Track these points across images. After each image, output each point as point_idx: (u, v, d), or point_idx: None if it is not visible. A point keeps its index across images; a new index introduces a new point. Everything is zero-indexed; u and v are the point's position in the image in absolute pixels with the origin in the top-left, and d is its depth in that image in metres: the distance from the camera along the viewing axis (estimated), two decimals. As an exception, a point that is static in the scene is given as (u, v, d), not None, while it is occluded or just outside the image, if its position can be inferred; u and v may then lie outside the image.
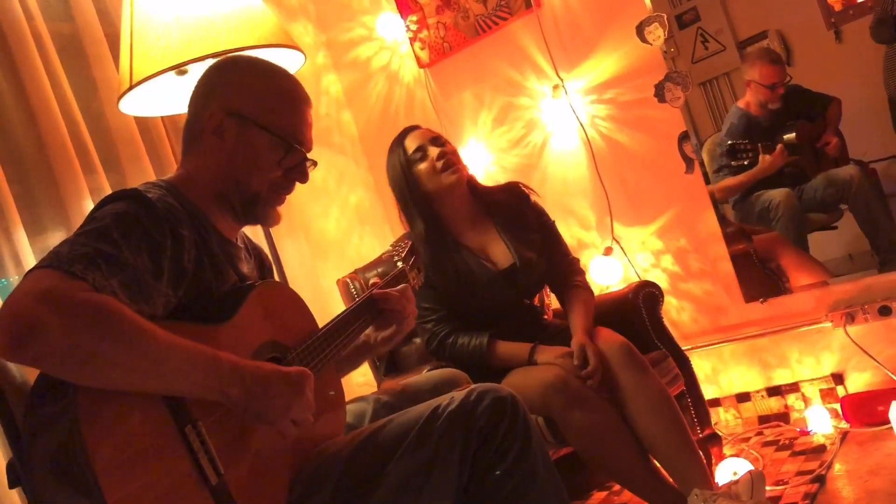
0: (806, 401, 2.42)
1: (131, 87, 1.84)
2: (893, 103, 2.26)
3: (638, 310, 2.11)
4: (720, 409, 2.59)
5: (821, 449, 2.13)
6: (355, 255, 2.96)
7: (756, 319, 2.50)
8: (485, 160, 2.88)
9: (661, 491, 1.72)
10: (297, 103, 1.34)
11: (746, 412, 2.55)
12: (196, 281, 1.18)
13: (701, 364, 2.56)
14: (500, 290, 2.01)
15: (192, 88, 1.36)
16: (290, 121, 1.31)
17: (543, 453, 1.25)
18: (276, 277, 2.25)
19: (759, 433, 2.40)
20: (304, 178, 1.35)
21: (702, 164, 2.53)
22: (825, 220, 2.47)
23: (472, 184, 2.11)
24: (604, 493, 2.23)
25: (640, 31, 2.43)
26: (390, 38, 3.01)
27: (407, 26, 2.93)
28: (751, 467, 1.78)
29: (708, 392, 2.48)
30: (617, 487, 2.22)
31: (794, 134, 2.45)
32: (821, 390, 2.39)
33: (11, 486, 1.07)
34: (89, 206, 2.05)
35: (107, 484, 0.91)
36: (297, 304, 1.38)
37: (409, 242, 1.83)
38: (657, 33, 2.41)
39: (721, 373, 2.59)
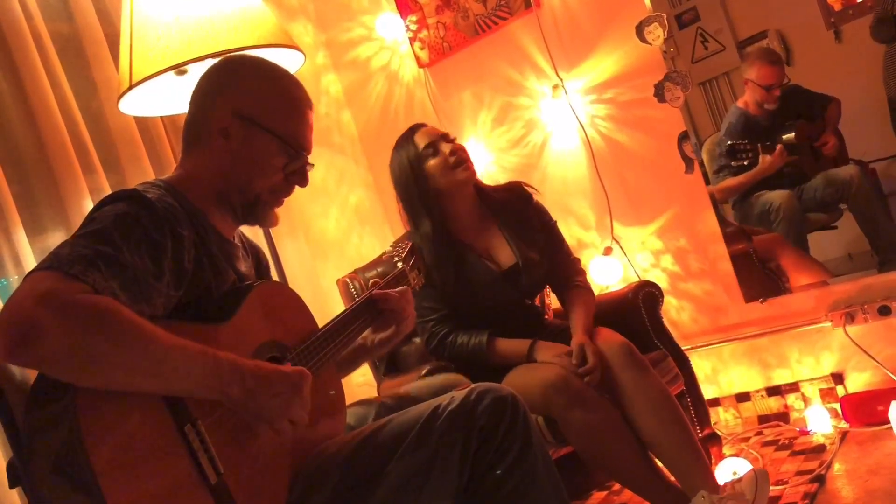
0: (805, 400, 2.42)
1: (131, 87, 1.84)
2: (893, 103, 2.26)
3: (637, 310, 2.11)
4: (720, 409, 2.59)
5: (820, 449, 2.13)
6: (355, 254, 2.96)
7: (756, 319, 2.51)
8: (484, 160, 2.88)
9: (662, 491, 1.72)
10: (302, 108, 1.34)
11: (746, 412, 2.55)
12: (196, 280, 1.18)
13: (701, 364, 2.57)
14: (503, 289, 2.01)
15: (195, 85, 1.35)
16: (295, 126, 1.32)
17: (543, 453, 1.25)
18: (276, 277, 2.26)
19: (759, 433, 2.40)
20: (304, 182, 1.35)
21: (701, 164, 2.53)
22: (825, 219, 2.47)
23: (476, 183, 2.11)
24: (604, 493, 2.23)
25: (639, 30, 2.43)
26: (390, 38, 3.01)
27: (407, 26, 2.93)
28: (750, 467, 1.78)
29: (707, 392, 2.48)
30: (617, 487, 2.22)
31: (793, 134, 2.45)
32: (820, 390, 2.39)
33: (11, 485, 1.07)
34: (89, 206, 2.05)
35: (106, 483, 0.92)
36: (296, 304, 1.38)
37: (410, 243, 1.83)
38: (657, 33, 2.41)
39: (721, 373, 2.59)
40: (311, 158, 1.36)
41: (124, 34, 1.89)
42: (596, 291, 2.16)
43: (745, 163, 2.45)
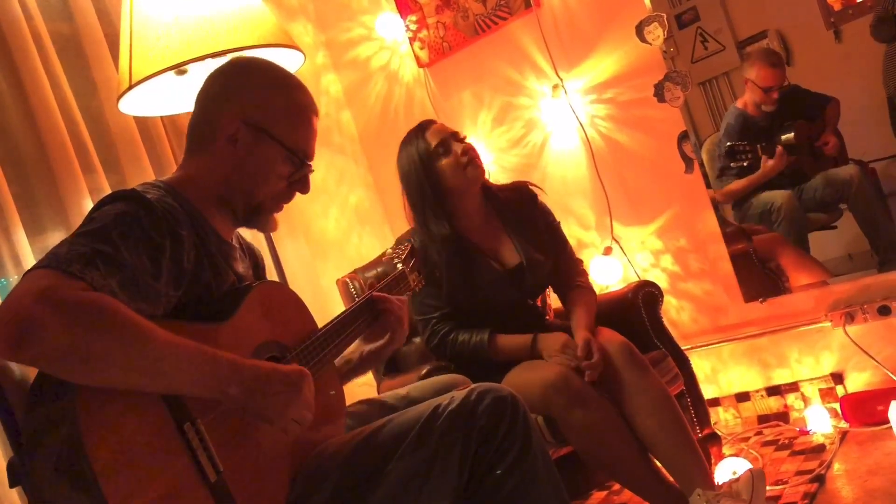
0: (805, 400, 2.42)
1: (131, 87, 1.84)
2: (892, 102, 2.26)
3: (637, 309, 2.11)
4: (720, 409, 2.59)
5: (820, 448, 2.14)
6: (355, 254, 2.96)
7: (755, 319, 2.51)
8: (484, 160, 2.86)
9: (661, 490, 1.72)
10: (309, 116, 1.34)
11: (746, 412, 2.55)
12: (195, 281, 1.18)
13: (700, 364, 2.57)
14: (506, 289, 2.00)
15: (202, 86, 1.34)
16: (302, 135, 1.32)
17: (543, 453, 1.25)
18: (276, 277, 2.26)
19: (759, 433, 2.40)
20: (305, 189, 1.36)
21: (701, 163, 2.53)
22: (825, 219, 2.47)
23: (483, 182, 2.11)
24: (604, 493, 2.24)
25: (639, 30, 2.43)
26: (390, 38, 3.01)
27: (406, 26, 2.93)
28: (750, 467, 1.78)
29: (707, 392, 2.48)
30: (617, 487, 2.22)
31: (792, 134, 2.45)
32: (820, 390, 2.39)
33: (12, 485, 1.07)
34: (89, 205, 2.04)
35: (106, 483, 0.92)
36: (296, 304, 1.38)
37: (410, 245, 1.83)
38: (657, 33, 2.41)
39: (720, 372, 2.59)
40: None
41: (124, 34, 1.89)
42: (596, 291, 2.16)
43: (745, 164, 2.45)
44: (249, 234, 1.64)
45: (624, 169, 2.64)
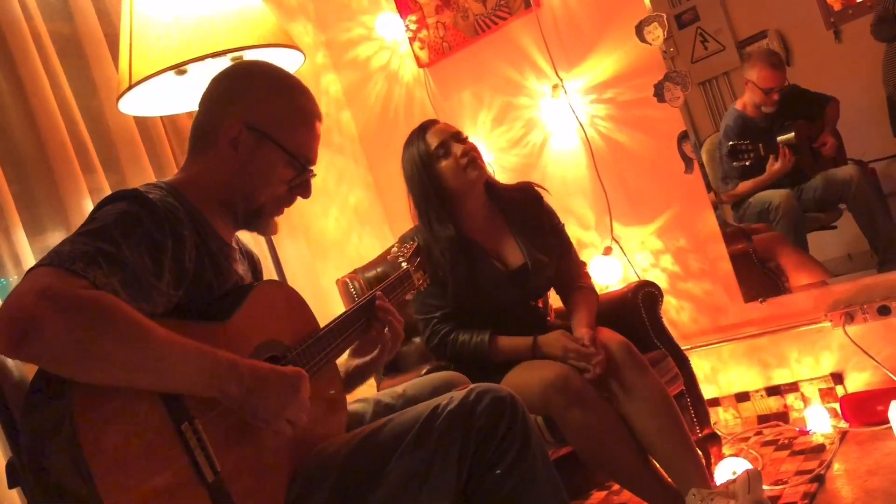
0: (805, 400, 2.42)
1: (131, 87, 1.84)
2: (892, 102, 2.26)
3: (637, 309, 2.11)
4: (719, 409, 2.59)
5: (820, 448, 2.14)
6: (355, 254, 2.96)
7: (755, 319, 2.51)
8: (484, 160, 2.88)
9: (659, 490, 1.72)
10: (312, 121, 1.34)
11: (746, 412, 2.55)
12: (197, 280, 1.18)
13: (700, 364, 2.57)
14: (509, 290, 2.00)
15: (206, 88, 1.34)
16: (304, 141, 1.32)
17: (543, 453, 1.25)
18: (276, 277, 2.26)
19: (759, 433, 2.40)
20: (307, 193, 1.36)
21: (701, 164, 2.53)
22: (824, 219, 2.47)
23: (488, 181, 2.10)
24: (603, 493, 2.24)
25: (639, 30, 2.43)
26: (390, 38, 3.01)
27: (406, 26, 2.93)
28: (750, 467, 1.78)
29: (707, 392, 2.48)
30: (616, 487, 2.22)
31: (792, 134, 2.45)
32: (820, 390, 2.39)
33: (11, 485, 1.07)
34: (89, 205, 2.05)
35: (102, 482, 0.92)
36: (298, 304, 1.38)
37: (415, 243, 1.83)
38: (656, 33, 2.41)
39: (720, 372, 2.59)
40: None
41: (124, 34, 1.89)
42: (598, 293, 2.16)
43: (748, 163, 2.45)
44: (250, 237, 1.64)
45: (624, 169, 2.64)
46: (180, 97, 2.05)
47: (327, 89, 3.14)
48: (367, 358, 1.51)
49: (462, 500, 1.20)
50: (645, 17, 2.43)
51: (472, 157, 2.00)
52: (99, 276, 1.00)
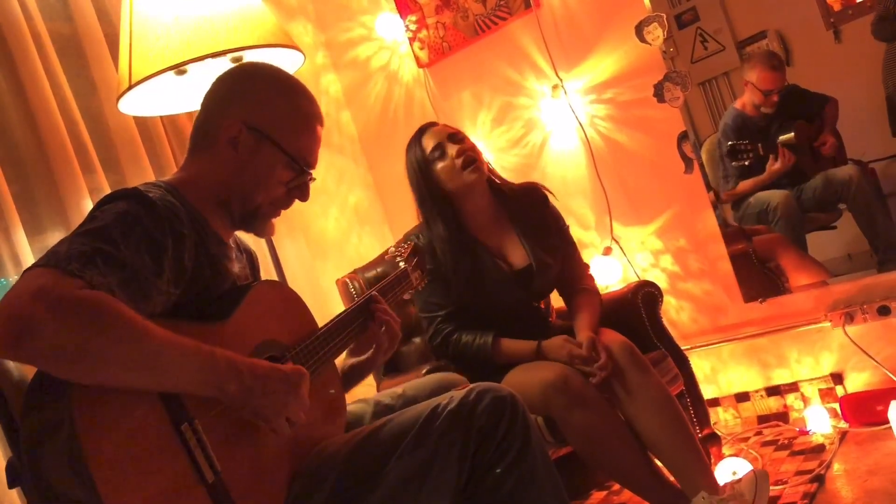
0: (805, 400, 2.42)
1: (130, 87, 1.84)
2: (891, 101, 2.26)
3: (637, 310, 2.11)
4: (719, 409, 2.59)
5: (820, 448, 2.14)
6: (354, 254, 2.96)
7: (755, 319, 2.51)
8: (486, 159, 2.88)
9: (662, 491, 1.72)
10: (313, 124, 1.34)
11: (745, 412, 2.55)
12: (195, 280, 1.18)
13: (700, 364, 2.57)
14: (512, 290, 2.00)
15: (209, 88, 1.34)
16: (305, 143, 1.32)
17: (543, 453, 1.25)
18: (275, 277, 2.26)
19: (759, 433, 2.40)
20: (304, 196, 1.36)
21: (701, 164, 2.53)
22: (824, 219, 2.47)
23: (492, 180, 2.10)
24: (603, 493, 2.24)
25: (639, 30, 2.43)
26: (389, 38, 3.01)
27: (406, 26, 2.93)
28: (750, 467, 1.78)
29: (707, 392, 2.48)
30: (616, 487, 2.22)
31: (792, 134, 2.45)
32: (820, 390, 2.39)
33: (11, 485, 1.07)
34: (88, 205, 2.05)
35: (103, 484, 0.92)
36: (296, 304, 1.38)
37: (413, 243, 1.83)
38: (656, 33, 2.41)
39: (720, 372, 2.59)
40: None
41: (124, 34, 1.89)
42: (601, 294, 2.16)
43: (747, 163, 2.45)
44: (250, 236, 1.64)
45: (624, 169, 2.64)
46: (180, 97, 2.05)
47: (327, 89, 3.14)
48: (363, 357, 1.51)
49: (462, 500, 1.20)
50: (645, 18, 2.43)
51: (470, 158, 1.99)
52: (96, 276, 1.00)
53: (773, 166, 2.43)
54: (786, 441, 2.26)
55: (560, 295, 2.14)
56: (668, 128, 2.51)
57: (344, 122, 3.18)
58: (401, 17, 2.94)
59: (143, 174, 2.24)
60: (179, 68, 1.82)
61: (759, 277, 2.52)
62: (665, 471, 1.75)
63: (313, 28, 3.16)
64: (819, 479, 1.93)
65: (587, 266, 2.17)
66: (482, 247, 2.03)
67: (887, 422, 2.04)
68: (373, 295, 1.51)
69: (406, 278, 1.71)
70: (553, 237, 2.09)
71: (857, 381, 2.35)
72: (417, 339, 2.36)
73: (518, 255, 2.04)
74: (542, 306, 2.14)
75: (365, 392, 1.61)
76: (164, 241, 1.11)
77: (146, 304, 1.07)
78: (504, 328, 1.95)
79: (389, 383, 2.12)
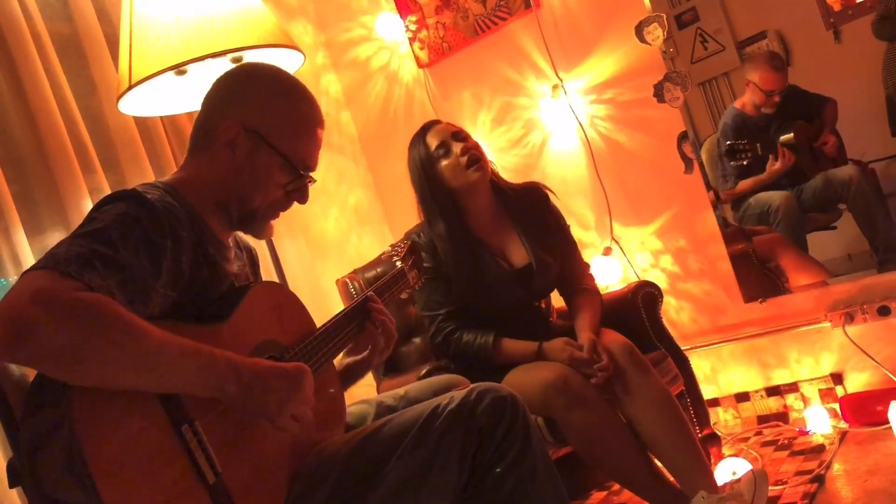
0: (805, 401, 2.42)
1: (130, 87, 1.84)
2: (891, 101, 2.26)
3: (637, 310, 2.11)
4: (719, 409, 2.59)
5: (820, 449, 2.14)
6: (354, 254, 2.96)
7: (755, 319, 2.51)
8: (488, 158, 2.88)
9: (661, 491, 1.72)
10: (312, 127, 1.33)
11: (745, 412, 2.55)
12: (193, 281, 1.18)
13: (700, 364, 2.57)
14: (513, 289, 2.00)
15: (209, 88, 1.34)
16: (303, 147, 1.32)
17: (543, 453, 1.25)
18: (276, 277, 2.26)
19: (759, 433, 2.40)
20: (303, 199, 1.36)
21: (701, 164, 2.53)
22: (824, 220, 2.47)
23: (494, 179, 2.10)
24: (603, 493, 2.24)
25: (639, 31, 2.43)
26: (389, 38, 3.01)
27: (406, 26, 2.93)
28: (750, 467, 1.78)
29: (707, 392, 2.48)
30: (616, 487, 2.22)
31: (792, 134, 2.45)
32: (820, 390, 2.39)
33: (11, 485, 1.07)
34: (88, 205, 2.05)
35: (103, 486, 0.91)
36: (294, 305, 1.38)
37: (409, 242, 1.83)
38: (656, 33, 2.41)
39: (720, 373, 2.59)
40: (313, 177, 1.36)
41: (124, 34, 1.89)
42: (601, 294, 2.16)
43: (745, 162, 2.45)
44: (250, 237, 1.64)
45: (623, 169, 2.64)
46: (180, 97, 2.05)
47: (327, 89, 3.15)
48: (360, 357, 1.51)
49: (462, 500, 1.20)
50: (645, 18, 2.43)
51: (474, 157, 1.99)
52: (94, 278, 1.00)
53: (774, 166, 2.43)
54: (786, 441, 2.26)
55: (560, 295, 2.14)
56: (668, 128, 2.51)
57: (344, 122, 3.18)
58: (401, 17, 2.94)
59: (143, 174, 2.24)
60: (179, 68, 1.82)
61: (759, 277, 2.52)
62: (665, 471, 1.75)
63: (313, 28, 3.16)
64: (819, 480, 1.93)
65: (588, 266, 2.17)
66: (483, 245, 2.03)
67: (887, 422, 2.04)
68: (369, 295, 1.51)
69: (403, 277, 1.71)
70: (553, 236, 2.09)
71: (856, 382, 2.35)
72: (417, 339, 2.36)
73: (518, 254, 2.04)
74: (543, 306, 2.14)
75: (365, 392, 1.61)
76: (162, 244, 1.11)
77: (145, 306, 1.07)
78: (505, 328, 1.95)
79: (389, 383, 2.13)
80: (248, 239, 1.49)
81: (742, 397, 2.55)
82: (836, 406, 2.31)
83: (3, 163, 1.98)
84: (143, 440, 0.99)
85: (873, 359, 2.28)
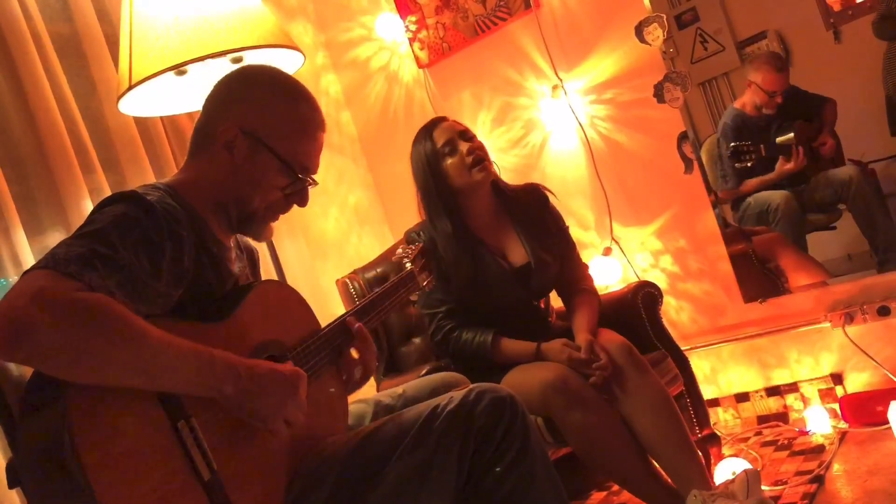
0: (805, 401, 2.42)
1: (130, 88, 1.84)
2: (891, 101, 2.26)
3: (637, 310, 2.11)
4: (719, 409, 2.59)
5: (819, 449, 2.14)
6: (354, 255, 2.97)
7: (755, 319, 2.51)
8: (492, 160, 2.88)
9: (659, 491, 1.72)
10: (312, 130, 1.33)
11: (745, 412, 2.55)
12: (196, 281, 1.18)
13: (700, 364, 2.57)
14: (512, 288, 2.01)
15: (211, 90, 1.34)
16: (302, 149, 1.31)
17: (542, 453, 1.25)
18: (275, 276, 2.26)
19: (758, 433, 2.40)
20: (303, 202, 1.36)
21: (701, 164, 2.53)
22: (824, 220, 2.47)
23: (495, 180, 2.11)
24: (603, 494, 2.24)
25: (639, 31, 2.43)
26: (389, 39, 3.01)
27: (406, 26, 2.93)
28: (749, 467, 1.78)
29: (707, 392, 2.48)
30: (616, 488, 2.22)
31: (792, 134, 2.45)
32: (820, 390, 2.39)
33: (11, 486, 1.07)
34: (88, 206, 2.05)
35: (96, 481, 0.92)
36: (298, 304, 1.38)
37: (420, 244, 1.83)
38: (656, 34, 2.41)
39: (720, 373, 2.59)
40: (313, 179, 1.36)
41: (124, 34, 1.89)
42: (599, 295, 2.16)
43: (749, 164, 2.45)
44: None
45: (623, 169, 2.64)
46: (180, 98, 2.05)
47: (327, 90, 3.15)
48: (357, 375, 1.42)
49: (462, 500, 1.20)
50: (645, 18, 2.43)
51: (479, 157, 2.00)
52: (94, 278, 1.00)
53: (786, 166, 2.43)
54: (786, 441, 2.26)
55: (559, 295, 2.15)
56: (668, 128, 2.51)
57: (344, 123, 3.18)
58: (401, 17, 2.94)
59: (143, 175, 2.24)
60: (179, 69, 1.82)
61: (758, 278, 2.52)
62: (663, 472, 1.75)
63: (313, 28, 3.16)
64: (819, 480, 1.93)
65: (586, 266, 2.17)
66: (482, 244, 2.04)
67: (887, 422, 2.04)
68: (373, 298, 1.51)
69: (412, 279, 1.71)
70: (552, 236, 2.10)
71: (856, 382, 2.35)
72: (417, 340, 2.36)
73: (517, 253, 2.05)
74: (543, 306, 2.14)
75: (365, 392, 1.61)
76: (162, 244, 1.11)
77: (145, 306, 1.07)
78: (504, 327, 1.96)
79: (389, 384, 2.13)
80: (249, 240, 1.50)
81: (742, 397, 2.55)
82: (836, 406, 2.31)
83: (3, 163, 1.98)
84: (138, 436, 0.99)
85: (873, 359, 2.28)
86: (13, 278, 1.94)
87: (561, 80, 2.66)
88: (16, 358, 0.96)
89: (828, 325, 2.34)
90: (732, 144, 2.45)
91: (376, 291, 1.53)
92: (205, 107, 1.34)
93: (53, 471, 0.95)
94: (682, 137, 2.50)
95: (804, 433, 2.28)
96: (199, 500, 1.03)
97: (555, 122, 2.73)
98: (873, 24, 2.24)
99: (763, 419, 2.49)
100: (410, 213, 2.19)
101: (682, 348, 2.17)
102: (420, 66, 2.96)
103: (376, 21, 2.98)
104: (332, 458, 1.22)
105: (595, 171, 2.66)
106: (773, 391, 2.49)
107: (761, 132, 2.46)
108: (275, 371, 1.11)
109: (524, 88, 2.78)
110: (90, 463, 0.92)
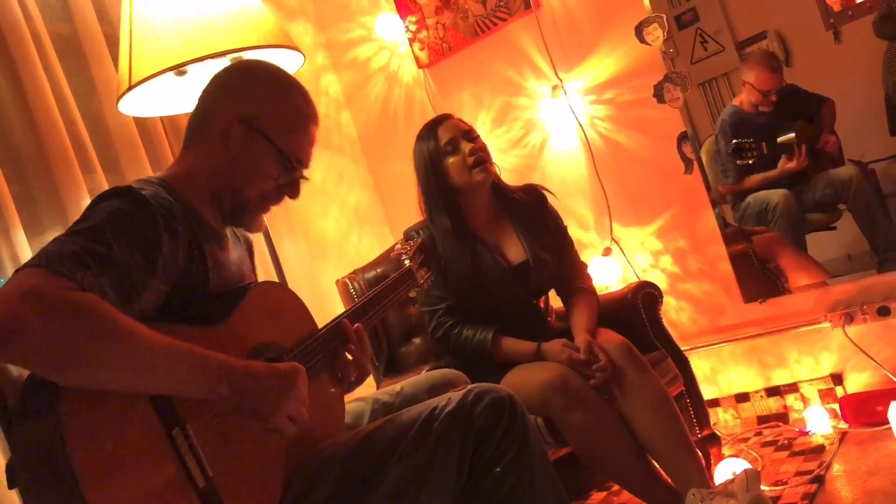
0: (805, 401, 2.42)
1: (130, 88, 1.84)
2: (891, 101, 2.26)
3: (637, 310, 2.11)
4: (719, 410, 2.59)
5: (820, 449, 2.14)
6: (354, 255, 2.97)
7: (755, 320, 2.51)
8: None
9: (658, 491, 1.72)
10: (306, 122, 1.34)
11: (745, 412, 2.55)
12: (187, 274, 1.17)
13: (700, 364, 2.57)
14: (510, 285, 2.01)
15: (207, 83, 1.35)
16: (297, 140, 1.32)
17: (542, 454, 1.25)
18: (275, 277, 2.26)
19: (758, 433, 2.40)
20: (295, 194, 1.36)
21: (701, 164, 2.53)
22: (824, 220, 2.47)
23: (494, 181, 2.11)
24: (603, 494, 2.23)
25: (639, 31, 2.43)
26: (389, 39, 3.01)
27: (406, 27, 2.93)
28: (749, 467, 1.78)
29: (707, 392, 2.48)
30: (616, 488, 2.22)
31: (793, 134, 2.45)
32: (820, 390, 2.39)
33: (11, 486, 1.07)
34: (88, 206, 2.04)
35: (89, 489, 0.91)
36: (295, 305, 1.38)
37: (419, 241, 1.84)
38: (656, 34, 2.41)
39: (720, 373, 2.59)
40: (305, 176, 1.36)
41: (123, 35, 1.89)
42: (598, 294, 2.16)
43: (751, 161, 2.45)
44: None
45: (623, 169, 2.64)
46: (180, 98, 2.05)
47: (327, 90, 3.15)
48: (353, 376, 1.41)
49: (461, 501, 1.20)
50: (644, 18, 2.43)
51: (480, 158, 2.01)
52: (87, 276, 0.99)
53: (788, 164, 2.43)
54: (786, 441, 2.26)
55: (557, 294, 2.15)
56: (668, 128, 2.51)
57: (344, 123, 3.18)
58: (400, 17, 2.94)
59: (142, 174, 2.24)
60: (179, 69, 1.82)
61: (758, 278, 2.52)
62: (662, 471, 1.75)
63: (313, 28, 3.16)
64: (819, 480, 1.93)
65: (585, 265, 2.17)
66: (480, 242, 2.04)
67: (887, 422, 2.04)
68: (372, 297, 1.51)
69: (411, 276, 1.71)
70: (550, 234, 2.10)
71: (856, 382, 2.35)
72: (417, 340, 2.36)
73: (515, 250, 2.05)
74: (542, 305, 2.14)
75: (363, 391, 1.61)
76: (157, 240, 1.11)
77: (139, 304, 1.06)
78: (503, 326, 1.96)
79: (389, 384, 2.12)
80: (243, 231, 1.50)
81: (742, 398, 2.55)
82: (836, 406, 2.31)
83: (3, 163, 1.98)
84: (132, 443, 0.98)
85: (873, 359, 2.28)
86: (13, 278, 1.93)
87: (561, 81, 2.66)
88: (6, 357, 0.95)
89: (828, 325, 2.34)
90: (735, 141, 2.45)
91: (375, 289, 1.53)
92: (200, 99, 1.35)
93: (47, 474, 0.94)
94: (682, 138, 2.50)
95: (804, 433, 2.28)
96: None
97: (555, 123, 2.73)
98: (874, 24, 2.25)
99: (763, 419, 2.49)
100: (410, 214, 2.19)
101: (682, 348, 2.17)
102: (420, 66, 2.96)
103: (376, 21, 2.98)
104: (331, 459, 1.22)
105: (595, 172, 2.66)
106: (773, 391, 2.49)
107: (759, 129, 2.46)
108: (271, 367, 1.11)
109: (524, 88, 2.78)
110: (82, 468, 0.91)
